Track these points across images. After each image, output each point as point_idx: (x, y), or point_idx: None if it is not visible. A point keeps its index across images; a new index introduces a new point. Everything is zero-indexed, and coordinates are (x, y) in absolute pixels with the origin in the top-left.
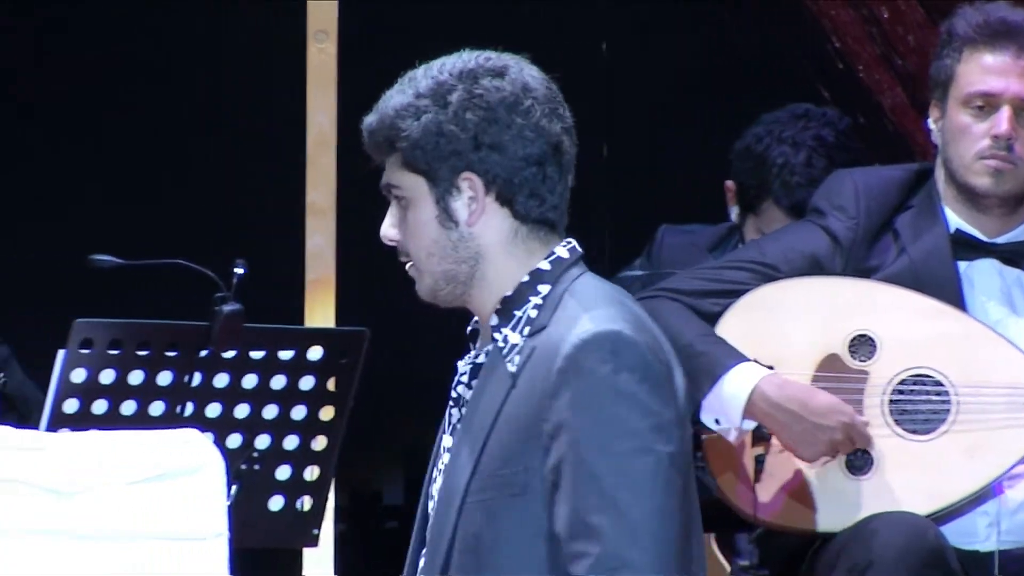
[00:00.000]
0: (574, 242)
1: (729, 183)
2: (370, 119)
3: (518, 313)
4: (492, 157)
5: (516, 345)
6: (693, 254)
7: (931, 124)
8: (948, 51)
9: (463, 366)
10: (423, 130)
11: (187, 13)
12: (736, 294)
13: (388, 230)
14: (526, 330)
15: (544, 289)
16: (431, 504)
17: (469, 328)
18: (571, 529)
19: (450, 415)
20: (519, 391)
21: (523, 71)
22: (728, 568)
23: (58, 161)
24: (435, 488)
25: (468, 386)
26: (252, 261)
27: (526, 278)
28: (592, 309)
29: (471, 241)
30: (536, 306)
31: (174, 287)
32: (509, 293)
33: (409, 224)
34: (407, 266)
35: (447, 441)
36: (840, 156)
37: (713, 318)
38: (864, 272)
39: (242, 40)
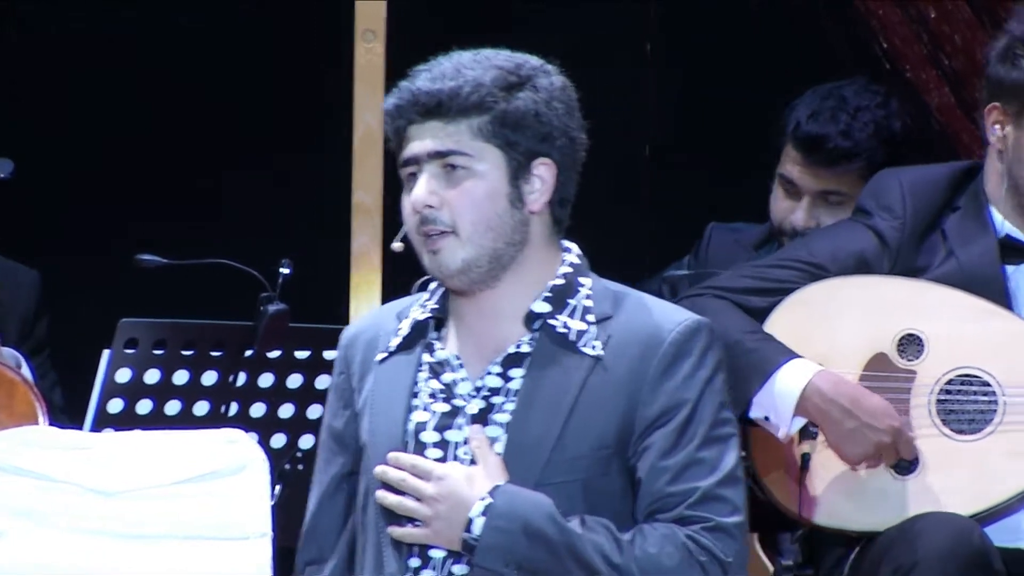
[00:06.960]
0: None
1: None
2: (444, 84)
3: (572, 302)
4: (567, 150)
5: (584, 331)
6: (738, 252)
7: (996, 130)
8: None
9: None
10: (521, 106)
11: (234, 10)
12: (783, 292)
13: (428, 196)
14: (589, 317)
15: (587, 281)
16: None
17: (425, 315)
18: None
19: (450, 406)
20: (607, 375)
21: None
22: (771, 568)
23: (103, 159)
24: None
25: (503, 376)
26: (297, 261)
27: (569, 269)
28: (665, 303)
29: (525, 227)
30: (588, 296)
31: (219, 287)
32: (560, 282)
33: (466, 194)
34: (435, 236)
35: (461, 433)
36: (865, 111)
37: (760, 315)
38: (912, 272)
39: (289, 39)
